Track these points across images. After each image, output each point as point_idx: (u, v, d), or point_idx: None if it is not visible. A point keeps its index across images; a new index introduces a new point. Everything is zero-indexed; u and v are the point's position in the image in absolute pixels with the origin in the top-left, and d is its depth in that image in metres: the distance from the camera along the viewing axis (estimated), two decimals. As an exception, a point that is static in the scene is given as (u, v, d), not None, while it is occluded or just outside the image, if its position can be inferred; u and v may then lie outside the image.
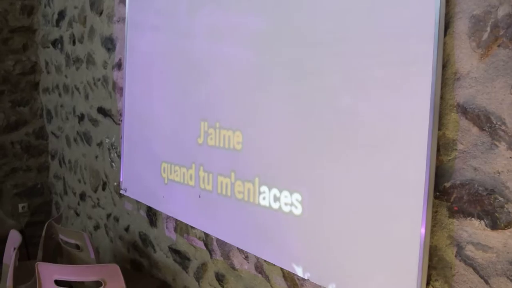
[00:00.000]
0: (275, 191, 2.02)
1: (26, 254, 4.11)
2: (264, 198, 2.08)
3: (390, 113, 1.59)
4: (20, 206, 4.97)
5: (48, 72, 4.78)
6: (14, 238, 2.84)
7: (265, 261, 2.21)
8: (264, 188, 2.08)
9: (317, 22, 1.84)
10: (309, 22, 1.87)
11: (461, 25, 1.45)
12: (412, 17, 1.52)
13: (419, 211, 1.51)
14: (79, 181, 4.30)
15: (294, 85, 1.93)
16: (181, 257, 2.88)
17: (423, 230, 1.51)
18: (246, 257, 2.34)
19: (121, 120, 3.28)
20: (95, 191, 3.97)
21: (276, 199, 2.02)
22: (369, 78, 1.65)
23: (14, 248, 2.71)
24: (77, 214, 4.44)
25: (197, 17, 2.49)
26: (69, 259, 3.04)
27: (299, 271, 1.94)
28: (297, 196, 1.92)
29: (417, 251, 1.52)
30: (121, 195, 3.48)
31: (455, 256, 1.50)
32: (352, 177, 1.71)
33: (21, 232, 4.01)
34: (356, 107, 1.69)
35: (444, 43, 1.48)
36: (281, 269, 2.12)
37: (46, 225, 3.08)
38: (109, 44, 3.50)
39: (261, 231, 2.12)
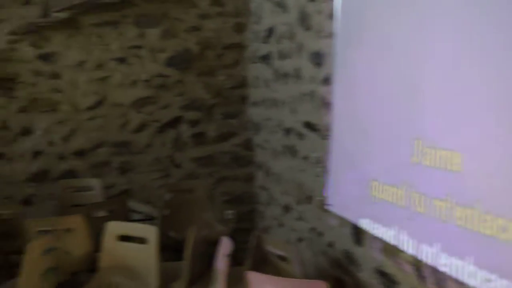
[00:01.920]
0: (502, 221, 1.82)
1: (232, 259, 4.31)
2: (487, 227, 1.89)
3: None
4: (227, 213, 5.25)
5: (256, 87, 5.00)
6: (226, 245, 2.97)
7: (486, 296, 2.01)
8: (488, 216, 1.89)
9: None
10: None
11: None
12: None
13: None
14: (283, 193, 4.40)
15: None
16: (388, 280, 2.76)
17: None
18: (463, 289, 2.15)
19: (328, 135, 3.27)
20: (299, 204, 4.02)
21: (504, 229, 1.81)
22: None
23: (226, 255, 2.83)
24: (280, 225, 4.54)
25: (413, 33, 2.37)
26: (275, 270, 3.10)
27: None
28: (530, 229, 1.71)
29: None
30: (325, 210, 3.47)
31: None
32: None
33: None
34: None
35: None
36: (507, 308, 1.90)
37: (256, 235, 3.17)
38: (317, 59, 3.53)
39: (483, 262, 1.93)
